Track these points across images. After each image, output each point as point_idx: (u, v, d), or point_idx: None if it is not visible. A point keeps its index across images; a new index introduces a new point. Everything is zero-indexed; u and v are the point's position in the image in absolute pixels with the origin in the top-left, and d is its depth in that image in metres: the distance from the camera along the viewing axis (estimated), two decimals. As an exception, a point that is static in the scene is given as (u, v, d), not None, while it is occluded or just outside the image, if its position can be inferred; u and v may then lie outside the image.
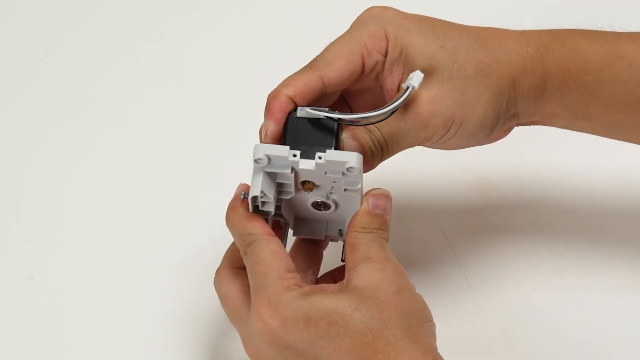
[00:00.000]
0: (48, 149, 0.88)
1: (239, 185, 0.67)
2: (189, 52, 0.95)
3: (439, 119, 0.67)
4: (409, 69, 0.67)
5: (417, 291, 0.65)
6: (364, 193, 0.66)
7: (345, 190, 0.65)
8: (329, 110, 0.65)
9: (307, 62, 0.68)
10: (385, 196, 0.67)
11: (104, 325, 0.78)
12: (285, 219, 0.68)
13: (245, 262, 0.65)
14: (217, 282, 0.68)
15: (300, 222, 0.70)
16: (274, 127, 0.66)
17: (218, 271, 0.68)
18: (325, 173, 0.64)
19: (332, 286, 0.65)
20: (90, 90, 0.92)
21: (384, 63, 0.68)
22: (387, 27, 0.68)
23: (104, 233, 0.83)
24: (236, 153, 0.81)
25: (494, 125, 0.69)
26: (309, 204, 0.67)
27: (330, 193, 0.66)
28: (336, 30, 0.69)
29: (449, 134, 0.68)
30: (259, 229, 0.65)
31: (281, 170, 0.64)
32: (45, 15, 0.96)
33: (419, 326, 0.62)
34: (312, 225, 0.70)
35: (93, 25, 0.96)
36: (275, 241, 0.65)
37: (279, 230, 0.69)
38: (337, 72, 0.67)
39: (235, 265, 0.67)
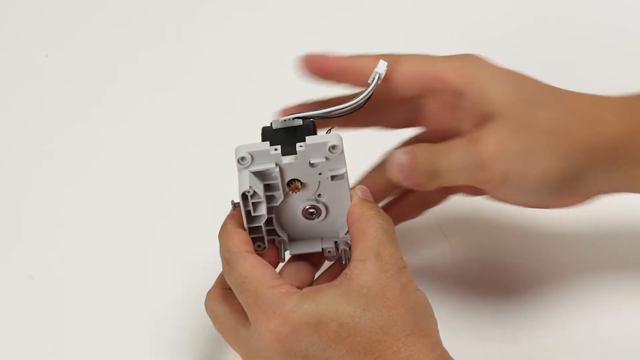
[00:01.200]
0: (48, 149, 0.88)
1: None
2: (191, 52, 0.95)
3: (498, 165, 0.67)
4: (483, 112, 0.68)
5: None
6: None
7: (332, 178, 0.66)
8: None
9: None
10: (368, 190, 0.68)
11: (104, 326, 0.78)
12: (279, 235, 0.68)
13: (229, 283, 0.66)
14: (208, 303, 0.68)
15: (295, 241, 0.70)
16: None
17: (210, 293, 0.68)
18: (310, 164, 0.65)
19: (334, 282, 0.64)
20: (91, 90, 0.92)
21: (450, 102, 0.69)
22: (470, 68, 0.69)
23: (104, 233, 0.83)
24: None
25: (559, 187, 0.68)
26: (299, 212, 0.68)
27: (319, 196, 0.67)
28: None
29: (505, 185, 0.68)
30: (237, 247, 0.65)
31: (265, 166, 0.65)
32: (45, 15, 0.96)
33: (425, 321, 0.63)
34: (307, 241, 0.69)
35: (93, 25, 0.96)
36: (252, 257, 0.65)
37: (275, 251, 0.69)
38: (402, 73, 0.69)
39: (226, 286, 0.67)
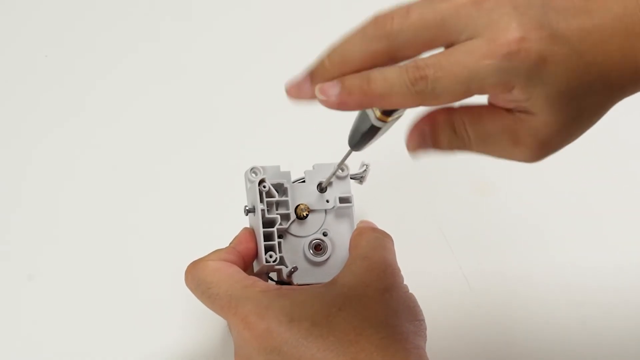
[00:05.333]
0: (47, 149, 0.88)
1: (243, 229, 0.69)
2: (189, 52, 0.94)
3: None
4: None
5: (414, 291, 0.65)
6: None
7: (340, 201, 0.68)
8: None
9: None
10: (372, 222, 0.69)
11: (104, 326, 0.78)
12: (287, 266, 0.69)
13: (196, 292, 0.66)
14: (204, 270, 0.67)
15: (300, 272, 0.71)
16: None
17: (202, 261, 0.68)
18: (320, 188, 0.68)
19: (319, 284, 0.65)
20: (90, 90, 0.92)
21: None
22: None
23: (104, 233, 0.83)
24: (236, 157, 0.82)
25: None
26: (306, 246, 0.69)
27: (325, 234, 0.69)
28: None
29: None
30: (199, 260, 0.67)
31: (277, 179, 0.68)
32: (45, 15, 0.96)
33: (405, 325, 0.62)
34: (313, 273, 0.70)
35: (92, 26, 0.96)
36: (213, 262, 0.66)
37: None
38: None
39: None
